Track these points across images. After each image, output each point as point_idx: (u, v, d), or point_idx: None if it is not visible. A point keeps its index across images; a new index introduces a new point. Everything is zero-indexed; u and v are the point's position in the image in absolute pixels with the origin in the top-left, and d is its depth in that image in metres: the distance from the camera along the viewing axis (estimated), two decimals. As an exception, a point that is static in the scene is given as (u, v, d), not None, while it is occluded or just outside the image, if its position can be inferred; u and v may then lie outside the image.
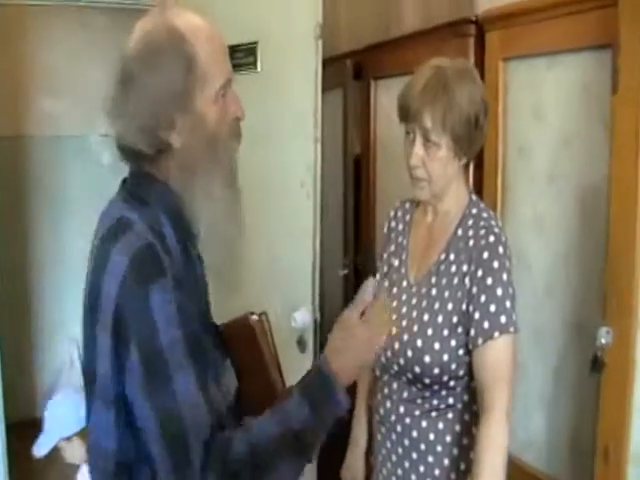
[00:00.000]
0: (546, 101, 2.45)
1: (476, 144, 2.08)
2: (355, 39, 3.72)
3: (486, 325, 1.93)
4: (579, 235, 2.36)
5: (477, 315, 1.95)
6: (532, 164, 2.52)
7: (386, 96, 3.46)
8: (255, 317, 2.01)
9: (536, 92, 2.48)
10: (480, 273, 1.96)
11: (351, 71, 3.59)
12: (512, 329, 1.93)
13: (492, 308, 1.93)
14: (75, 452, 3.17)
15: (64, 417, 3.26)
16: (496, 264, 1.95)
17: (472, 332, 1.95)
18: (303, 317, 3.24)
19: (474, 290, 1.96)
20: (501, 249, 1.98)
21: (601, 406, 2.13)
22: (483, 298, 1.94)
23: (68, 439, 3.19)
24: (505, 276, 1.96)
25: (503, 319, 1.92)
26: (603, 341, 2.08)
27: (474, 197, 2.16)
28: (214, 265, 1.74)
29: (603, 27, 2.16)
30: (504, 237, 2.01)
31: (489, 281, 1.95)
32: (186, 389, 1.43)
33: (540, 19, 2.40)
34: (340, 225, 3.83)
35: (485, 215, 2.08)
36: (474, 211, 2.10)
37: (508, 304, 1.94)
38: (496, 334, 1.92)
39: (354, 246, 3.77)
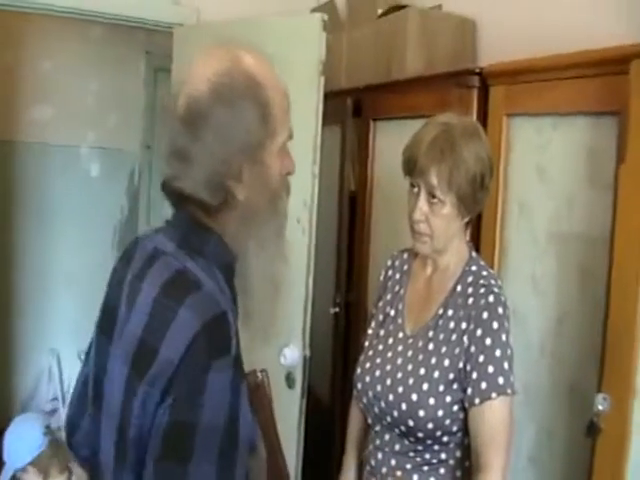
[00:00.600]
0: (550, 161, 2.46)
1: (480, 203, 2.11)
2: (356, 77, 3.72)
3: (484, 386, 1.94)
4: (577, 297, 2.36)
5: (475, 375, 1.95)
6: (532, 223, 2.53)
7: (385, 137, 3.46)
8: (259, 374, 2.01)
9: (540, 151, 2.48)
10: (479, 332, 1.97)
11: (351, 109, 3.59)
12: (510, 391, 1.95)
13: (490, 369, 1.94)
14: None
15: (17, 449, 3.28)
16: (495, 325, 1.97)
17: (469, 391, 1.96)
18: (293, 354, 3.26)
19: (472, 349, 1.97)
20: (500, 309, 1.99)
21: (595, 472, 2.13)
22: (482, 358, 1.95)
23: (23, 470, 3.21)
24: (504, 337, 1.97)
25: (501, 380, 1.94)
26: (600, 407, 2.08)
27: (474, 254, 2.18)
28: (247, 316, 1.66)
29: (611, 94, 2.17)
30: (504, 297, 2.03)
31: (488, 341, 1.96)
32: None
33: (547, 79, 2.41)
34: (332, 262, 3.83)
35: (485, 273, 2.10)
36: (474, 268, 2.11)
37: (506, 365, 1.96)
38: (494, 395, 1.93)
39: (346, 284, 3.76)
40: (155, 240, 1.61)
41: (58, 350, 5.85)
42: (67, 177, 5.77)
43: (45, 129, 5.66)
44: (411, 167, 2.07)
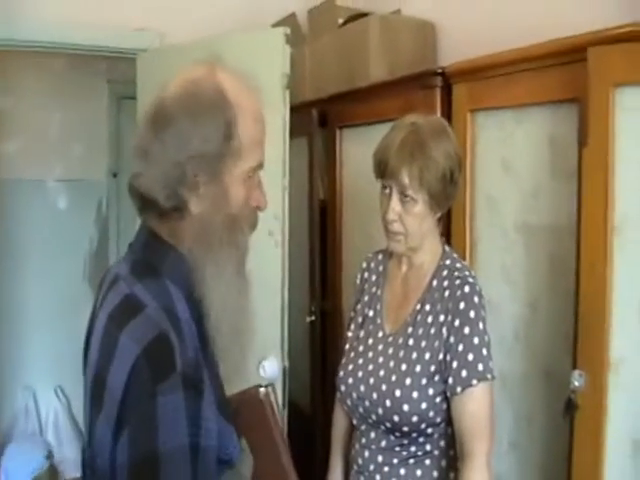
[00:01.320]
0: (514, 153, 2.52)
1: (451, 198, 2.16)
2: (320, 88, 3.77)
3: (464, 374, 1.98)
4: (547, 283, 2.42)
5: (455, 364, 2.00)
6: (500, 215, 2.58)
7: (352, 145, 3.51)
8: (264, 390, 2.02)
9: (504, 144, 2.54)
10: (457, 323, 2.02)
11: (317, 120, 3.63)
12: (489, 376, 2.00)
13: (470, 357, 1.99)
14: None
15: (17, 468, 3.25)
16: (472, 314, 2.02)
17: (450, 381, 2.00)
18: (272, 366, 3.27)
19: (452, 339, 2.02)
20: (476, 299, 2.05)
21: (575, 448, 2.16)
22: (461, 347, 2.00)
23: None
24: (481, 325, 2.03)
25: (480, 367, 1.99)
26: (576, 384, 2.12)
27: (447, 248, 2.23)
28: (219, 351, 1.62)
29: (570, 82, 2.23)
30: (478, 287, 2.08)
31: (466, 330, 2.01)
32: None
33: (507, 73, 2.48)
34: (306, 272, 3.85)
35: (459, 265, 2.15)
36: (448, 262, 2.16)
37: (485, 352, 2.01)
38: (474, 382, 1.98)
39: (321, 292, 3.79)
40: (119, 266, 1.61)
41: (33, 386, 5.79)
42: (34, 212, 5.73)
43: (10, 165, 5.62)
44: (382, 169, 2.12)
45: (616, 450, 2.10)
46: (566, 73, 2.25)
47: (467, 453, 1.97)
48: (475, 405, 1.99)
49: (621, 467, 2.10)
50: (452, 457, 2.10)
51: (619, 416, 2.09)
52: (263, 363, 3.27)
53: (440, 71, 2.80)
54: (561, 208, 2.34)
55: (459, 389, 1.99)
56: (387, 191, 2.12)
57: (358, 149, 3.39)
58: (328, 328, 3.80)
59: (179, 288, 1.50)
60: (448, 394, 2.02)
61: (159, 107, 1.49)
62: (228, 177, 1.50)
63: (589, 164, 2.12)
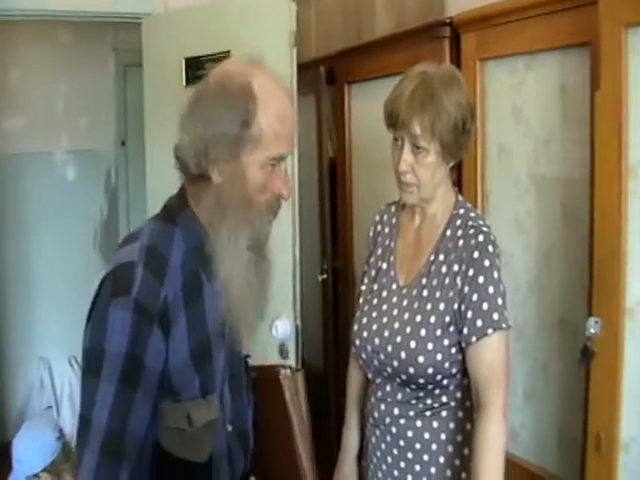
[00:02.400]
0: (525, 100, 2.49)
1: (463, 147, 2.10)
2: (327, 45, 3.75)
3: (479, 323, 1.95)
4: (561, 232, 2.40)
5: (470, 314, 1.97)
6: (512, 164, 2.56)
7: (360, 100, 3.50)
8: (287, 372, 2.08)
9: (515, 92, 2.52)
10: (471, 272, 1.98)
11: (324, 76, 3.61)
12: (504, 325, 1.97)
13: (485, 306, 1.96)
14: None
15: (31, 456, 3.25)
16: (487, 262, 1.98)
17: (465, 330, 1.98)
18: (284, 325, 3.26)
19: (466, 289, 1.99)
20: (491, 248, 2.01)
21: (591, 395, 2.16)
22: (475, 297, 1.97)
23: (36, 476, 3.18)
24: (496, 274, 1.99)
25: (496, 316, 1.95)
26: (592, 331, 2.12)
27: (460, 198, 2.18)
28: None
29: (580, 26, 2.21)
30: (493, 235, 2.04)
31: (480, 279, 1.97)
32: (104, 398, 1.58)
33: (516, 19, 2.44)
34: (316, 230, 3.84)
35: (472, 215, 2.11)
36: (461, 211, 2.12)
37: (500, 301, 1.97)
38: (490, 331, 1.95)
39: (332, 250, 3.78)
40: None
41: (48, 358, 5.80)
42: (44, 184, 5.67)
43: (18, 139, 5.57)
44: (393, 120, 2.07)
45: (632, 396, 2.09)
46: (576, 17, 2.23)
47: (483, 403, 1.96)
48: (491, 354, 1.97)
49: (638, 414, 2.08)
50: (468, 408, 2.08)
51: (635, 362, 2.07)
52: (276, 323, 3.26)
53: (448, 21, 2.78)
54: (573, 155, 2.32)
55: (474, 339, 1.96)
56: (399, 142, 2.07)
57: (367, 104, 3.37)
58: (340, 286, 3.81)
59: (185, 241, 1.74)
60: (463, 344, 2.00)
61: (198, 90, 1.72)
62: (246, 159, 1.68)
63: (602, 107, 2.09)
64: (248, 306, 1.76)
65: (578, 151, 2.28)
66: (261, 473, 2.00)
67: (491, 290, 1.97)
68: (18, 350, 5.66)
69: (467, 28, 2.70)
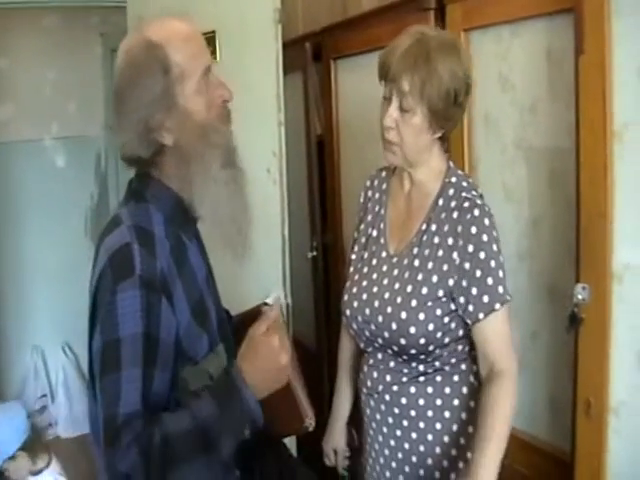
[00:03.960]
0: (511, 68, 2.48)
1: (453, 120, 2.09)
2: (312, 21, 3.75)
3: (486, 299, 1.96)
4: (549, 199, 2.39)
5: (475, 290, 1.97)
6: (499, 133, 2.55)
7: (347, 75, 3.48)
8: (267, 307, 2.09)
9: (501, 61, 2.50)
10: (471, 248, 1.98)
11: (310, 53, 3.61)
12: (508, 297, 1.99)
13: (489, 281, 1.96)
14: (20, 467, 3.19)
15: (5, 438, 3.25)
16: (485, 237, 1.98)
17: (471, 308, 1.98)
18: (275, 303, 3.26)
19: (466, 266, 1.98)
20: (487, 221, 2.00)
21: (580, 361, 2.15)
22: (479, 273, 1.97)
23: (12, 457, 3.19)
24: (495, 246, 1.99)
25: (501, 289, 1.97)
26: (580, 297, 2.11)
27: (452, 164, 2.16)
28: (222, 240, 1.87)
29: (563, -9, 2.20)
30: (487, 207, 2.03)
31: (482, 255, 1.97)
32: (130, 385, 1.57)
33: (501, -12, 2.44)
34: (305, 207, 3.84)
35: (465, 184, 2.09)
36: (453, 180, 2.10)
37: (501, 274, 1.99)
38: (497, 306, 1.96)
39: (321, 227, 3.78)
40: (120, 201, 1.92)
41: (42, 346, 5.80)
42: (34, 171, 5.70)
43: (7, 127, 5.60)
44: (384, 72, 2.05)
45: (621, 361, 2.09)
46: (560, -17, 2.21)
47: (497, 373, 1.96)
48: (499, 327, 1.99)
49: (627, 378, 2.09)
50: (464, 371, 2.09)
51: (624, 327, 2.07)
52: (266, 301, 3.26)
53: (433, -9, 2.75)
54: (560, 122, 2.31)
55: (481, 315, 1.97)
56: (388, 98, 2.05)
57: (353, 79, 3.36)
58: (330, 262, 3.81)
59: (160, 211, 1.77)
60: (468, 321, 2.00)
61: (113, 86, 1.74)
62: (182, 99, 1.71)
63: (586, 71, 2.08)
64: (237, 217, 1.84)
65: (565, 118, 2.26)
66: None
67: (493, 264, 1.97)
68: (11, 338, 5.70)
69: (452, -2, 2.68)
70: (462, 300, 1.99)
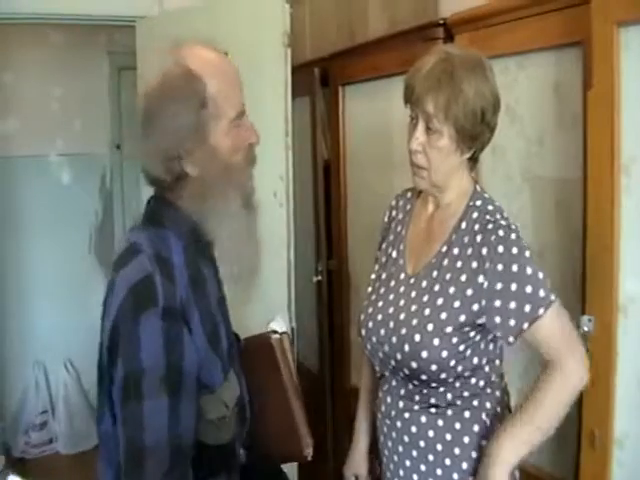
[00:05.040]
0: (518, 100, 2.50)
1: (481, 139, 2.01)
2: (320, 46, 3.77)
3: (527, 308, 1.88)
4: (554, 231, 2.40)
5: (514, 304, 1.88)
6: (505, 163, 2.57)
7: (354, 101, 3.50)
8: (277, 336, 2.16)
9: (507, 92, 2.51)
10: (501, 267, 1.89)
11: (318, 78, 3.63)
12: (552, 297, 1.90)
13: (528, 289, 1.88)
14: None
15: None
16: (515, 250, 1.90)
17: (512, 322, 1.89)
18: (279, 327, 3.26)
19: (498, 286, 1.89)
20: (513, 236, 1.92)
21: (585, 392, 2.14)
22: (514, 286, 1.88)
23: None
24: (527, 253, 1.91)
25: (542, 293, 1.88)
26: (585, 329, 2.12)
27: (478, 188, 2.10)
28: (231, 279, 1.90)
29: (572, 25, 2.21)
30: (513, 225, 1.96)
31: (514, 268, 1.89)
32: (154, 417, 1.58)
33: (509, 20, 2.45)
34: (311, 232, 3.85)
35: (490, 207, 2.02)
36: (478, 203, 2.04)
37: (541, 275, 1.90)
38: (541, 311, 1.88)
39: (326, 252, 3.79)
40: (136, 220, 1.88)
41: (43, 362, 5.80)
42: (38, 187, 5.71)
43: (12, 142, 5.61)
44: (408, 95, 2.00)
45: (626, 393, 2.10)
46: (568, 16, 2.23)
47: (553, 365, 1.90)
48: (549, 330, 1.90)
49: (631, 410, 2.10)
50: (476, 408, 2.01)
51: (629, 359, 2.08)
52: (271, 324, 3.26)
53: (442, 22, 2.78)
54: (567, 154, 2.32)
55: (526, 325, 1.88)
56: (414, 121, 2.01)
57: (361, 105, 3.38)
58: (335, 287, 3.82)
59: (179, 239, 1.76)
60: (510, 339, 1.92)
61: (143, 106, 1.73)
62: (213, 136, 1.72)
63: (595, 106, 2.10)
64: (250, 258, 1.87)
65: (571, 150, 2.28)
66: (260, 434, 2.05)
67: (529, 271, 1.89)
68: (13, 353, 5.67)
69: (460, 29, 2.70)
70: (498, 320, 1.91)
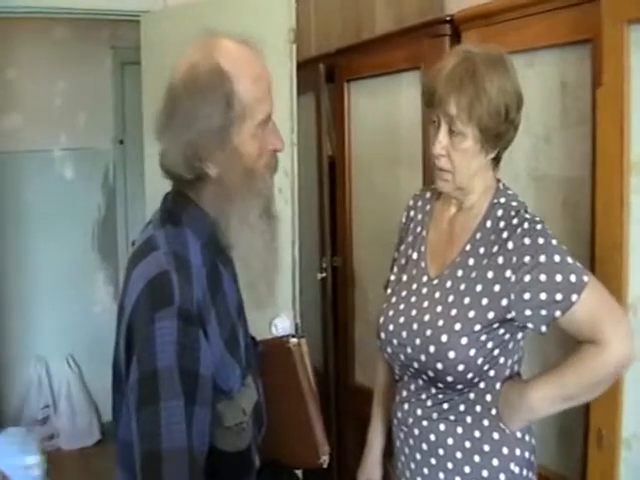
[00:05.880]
0: (526, 98, 2.48)
1: (505, 138, 1.98)
2: (326, 42, 3.76)
3: (559, 297, 1.83)
4: (561, 229, 2.38)
5: (544, 295, 1.84)
6: (512, 161, 2.54)
7: (359, 98, 3.49)
8: (295, 340, 2.11)
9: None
10: (527, 259, 1.86)
11: (324, 74, 3.61)
12: (586, 278, 1.84)
13: (558, 278, 1.83)
14: None
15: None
16: (541, 240, 1.86)
17: (543, 312, 1.85)
18: (284, 324, 3.27)
19: (527, 278, 1.85)
20: (539, 227, 1.89)
21: (592, 412, 2.15)
22: (543, 277, 1.84)
23: None
24: (554, 241, 1.87)
25: (573, 278, 1.83)
26: (594, 328, 2.11)
27: (502, 185, 2.07)
28: (247, 287, 1.86)
29: (581, 23, 2.21)
30: (538, 217, 1.93)
31: (542, 258, 1.84)
32: (170, 419, 1.51)
33: (517, 17, 2.45)
34: (316, 228, 3.85)
35: (514, 204, 1.99)
36: (502, 200, 2.00)
37: (570, 260, 1.86)
38: (574, 297, 1.83)
39: (331, 249, 3.78)
40: (155, 213, 1.84)
41: (45, 357, 5.79)
42: (42, 182, 5.71)
43: (16, 137, 5.61)
44: (430, 98, 1.95)
45: (634, 391, 2.09)
46: (578, 13, 2.23)
47: (597, 342, 1.85)
48: (586, 313, 1.84)
49: (639, 410, 2.09)
50: (494, 417, 1.96)
51: (638, 358, 2.05)
52: (275, 321, 3.27)
53: (449, 19, 2.77)
54: (574, 152, 2.32)
55: (558, 313, 1.84)
56: (436, 124, 1.96)
57: (366, 102, 3.37)
58: (339, 284, 3.81)
59: (197, 238, 1.71)
60: (543, 329, 1.88)
61: (167, 94, 1.68)
62: (237, 139, 1.66)
63: (604, 104, 2.09)
64: (269, 268, 1.82)
65: (579, 148, 2.27)
66: (275, 440, 2.01)
67: (557, 259, 1.85)
68: (15, 349, 5.68)
69: (468, 25, 2.69)
70: (528, 312, 1.86)
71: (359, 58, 3.42)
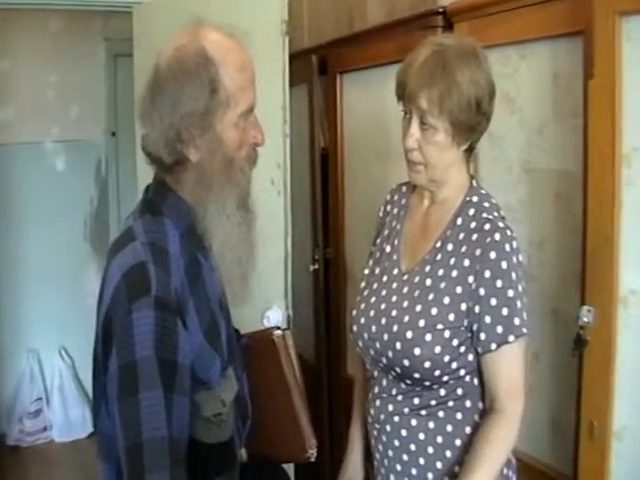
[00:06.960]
0: (518, 90, 2.49)
1: (478, 130, 1.98)
2: (319, 34, 3.76)
3: (499, 330, 1.85)
4: (553, 221, 2.39)
5: (488, 319, 1.86)
6: (504, 153, 2.55)
7: (352, 90, 3.49)
8: (279, 332, 2.10)
9: (508, 81, 2.50)
10: (488, 274, 1.86)
11: (316, 66, 3.61)
12: (525, 330, 1.88)
13: (504, 311, 1.86)
14: None
15: None
16: (504, 264, 1.86)
17: (483, 336, 1.87)
18: (276, 315, 3.27)
19: (482, 292, 1.87)
20: (508, 247, 1.88)
21: (584, 384, 2.15)
22: (494, 301, 1.86)
23: None
24: (514, 275, 1.87)
25: (517, 321, 1.86)
26: (585, 320, 2.11)
27: (475, 183, 2.07)
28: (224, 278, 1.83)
29: (573, 14, 2.20)
30: (509, 230, 1.92)
31: (499, 283, 1.86)
32: (150, 409, 1.51)
33: (510, 8, 2.43)
34: (308, 220, 3.85)
35: (486, 205, 1.99)
36: (475, 199, 2.00)
37: (519, 304, 1.88)
38: (511, 338, 1.85)
39: (323, 240, 3.79)
40: (136, 205, 1.85)
41: (37, 349, 5.79)
42: (34, 174, 5.69)
43: (8, 129, 5.60)
44: (401, 92, 1.95)
45: (625, 385, 2.09)
46: (570, 5, 2.22)
47: (497, 410, 1.88)
48: (511, 362, 1.88)
49: (630, 402, 2.09)
50: (468, 409, 1.97)
51: (628, 351, 2.07)
52: (267, 313, 3.26)
53: (441, 10, 2.76)
54: (567, 145, 2.31)
55: (494, 346, 1.86)
56: (407, 117, 1.96)
57: (359, 94, 3.37)
58: (331, 276, 3.81)
59: (176, 227, 1.72)
60: (479, 350, 1.89)
61: (153, 76, 1.68)
62: (219, 125, 1.68)
63: (596, 96, 2.08)
64: (243, 261, 1.81)
65: (571, 141, 2.26)
66: (261, 434, 2.01)
67: (510, 294, 1.86)
68: (7, 342, 5.67)
69: (460, 17, 2.68)
70: (475, 327, 1.88)
71: (351, 50, 3.42)
